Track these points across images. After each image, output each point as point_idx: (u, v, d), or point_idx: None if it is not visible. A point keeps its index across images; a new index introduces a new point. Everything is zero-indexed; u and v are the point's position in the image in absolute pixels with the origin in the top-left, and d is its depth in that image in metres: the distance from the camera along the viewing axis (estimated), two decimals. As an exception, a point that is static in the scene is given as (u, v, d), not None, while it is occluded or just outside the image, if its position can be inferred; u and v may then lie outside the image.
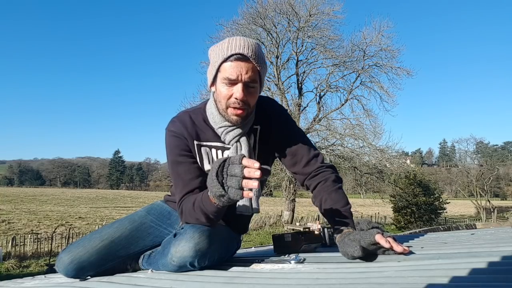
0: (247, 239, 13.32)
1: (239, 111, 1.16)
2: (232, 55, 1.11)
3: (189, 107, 1.35)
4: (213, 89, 1.21)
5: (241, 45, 1.12)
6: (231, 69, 1.12)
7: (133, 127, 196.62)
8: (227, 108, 1.17)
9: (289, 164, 1.33)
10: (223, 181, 0.97)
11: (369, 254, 1.06)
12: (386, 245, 1.03)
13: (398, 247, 1.03)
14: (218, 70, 1.16)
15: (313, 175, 1.29)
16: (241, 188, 0.94)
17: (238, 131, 1.21)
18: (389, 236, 1.06)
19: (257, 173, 0.91)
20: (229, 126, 1.21)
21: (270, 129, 1.30)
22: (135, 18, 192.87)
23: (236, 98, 1.13)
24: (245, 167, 0.93)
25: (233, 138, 1.22)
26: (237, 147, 1.22)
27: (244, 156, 0.95)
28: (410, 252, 1.06)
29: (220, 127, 1.22)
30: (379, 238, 1.04)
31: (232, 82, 1.13)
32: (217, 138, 1.26)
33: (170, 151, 1.25)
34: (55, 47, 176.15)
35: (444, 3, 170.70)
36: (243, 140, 1.22)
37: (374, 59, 17.68)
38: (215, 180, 0.97)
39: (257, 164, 0.92)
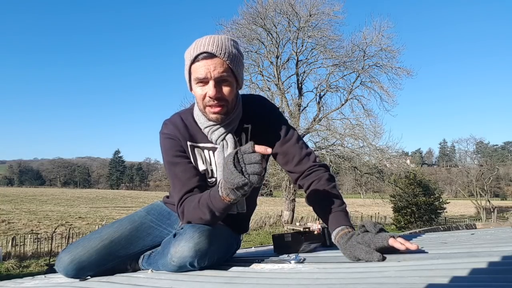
0: (247, 239, 13.32)
1: (217, 109, 1.16)
2: (198, 54, 1.12)
3: (189, 107, 1.36)
4: (193, 92, 1.22)
5: (206, 43, 1.12)
6: (199, 69, 1.13)
7: (133, 127, 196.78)
8: (205, 107, 1.18)
9: (281, 162, 1.33)
10: (242, 170, 0.99)
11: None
12: (402, 248, 1.02)
13: (412, 246, 1.02)
14: (190, 73, 1.17)
15: (306, 174, 1.29)
16: (261, 174, 0.99)
17: (222, 130, 1.22)
18: (398, 237, 1.05)
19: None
20: (214, 125, 1.22)
21: (261, 127, 1.30)
22: (135, 15, 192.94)
23: (210, 97, 1.14)
24: (260, 153, 0.98)
25: (219, 137, 1.23)
26: (223, 145, 1.23)
27: (255, 144, 0.99)
28: (418, 249, 1.06)
29: (206, 127, 1.23)
30: (393, 242, 1.03)
31: (203, 81, 1.14)
32: (208, 139, 1.27)
33: (166, 152, 1.26)
34: (55, 45, 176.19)
35: (444, 2, 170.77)
36: (229, 137, 1.23)
37: (374, 59, 17.72)
38: (235, 171, 0.98)
39: (269, 150, 1.00)
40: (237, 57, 1.16)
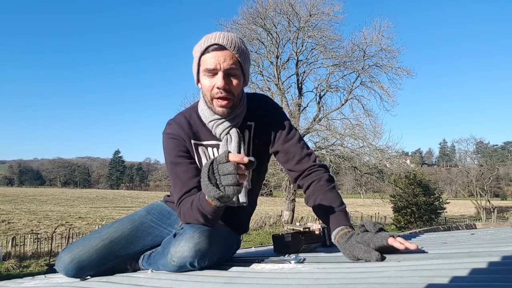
0: (247, 239, 13.31)
1: (224, 102, 1.17)
2: (209, 46, 1.14)
3: (192, 105, 1.37)
4: (199, 85, 1.23)
5: (217, 37, 1.15)
6: (209, 60, 1.14)
7: (133, 127, 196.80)
8: (212, 99, 1.19)
9: (282, 161, 1.34)
10: (217, 182, 0.97)
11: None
12: (401, 247, 1.02)
13: (411, 246, 1.02)
14: (199, 64, 1.18)
15: (305, 174, 1.30)
16: (238, 184, 0.96)
17: (227, 123, 1.23)
18: (398, 236, 1.06)
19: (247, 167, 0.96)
20: (219, 119, 1.23)
21: (264, 126, 1.31)
22: (135, 15, 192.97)
23: (218, 88, 1.15)
24: (236, 162, 0.95)
25: (223, 131, 1.23)
26: (227, 139, 1.23)
27: (230, 152, 0.97)
28: (418, 249, 1.06)
29: (211, 121, 1.24)
30: (392, 242, 1.03)
31: (212, 72, 1.15)
32: (212, 136, 1.27)
33: (168, 152, 1.26)
34: (55, 45, 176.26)
35: (444, 2, 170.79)
36: (233, 131, 1.23)
37: (374, 59, 17.69)
38: (209, 184, 0.98)
39: (246, 159, 0.95)
40: (245, 53, 1.19)
